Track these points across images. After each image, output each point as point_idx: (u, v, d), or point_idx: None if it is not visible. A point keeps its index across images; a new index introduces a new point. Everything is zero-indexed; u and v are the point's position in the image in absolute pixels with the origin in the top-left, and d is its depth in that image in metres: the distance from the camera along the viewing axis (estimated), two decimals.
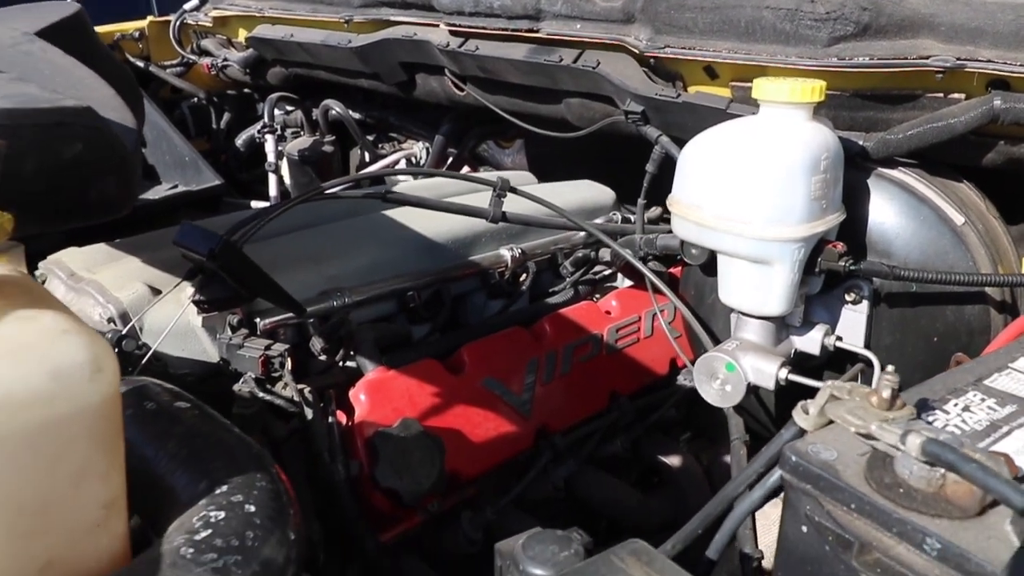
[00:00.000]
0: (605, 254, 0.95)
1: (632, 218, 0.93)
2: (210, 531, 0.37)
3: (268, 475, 0.42)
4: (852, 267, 0.66)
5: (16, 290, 0.37)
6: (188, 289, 0.69)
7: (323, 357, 0.74)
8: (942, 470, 0.33)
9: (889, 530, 0.34)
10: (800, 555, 0.39)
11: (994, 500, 0.34)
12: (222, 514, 0.38)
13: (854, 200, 0.74)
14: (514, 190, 0.88)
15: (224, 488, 0.40)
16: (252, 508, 0.39)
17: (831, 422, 0.40)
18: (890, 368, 0.40)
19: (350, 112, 1.36)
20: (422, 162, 1.39)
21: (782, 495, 0.42)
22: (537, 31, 1.02)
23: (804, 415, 0.41)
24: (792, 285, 0.66)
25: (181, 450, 0.44)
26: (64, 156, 0.47)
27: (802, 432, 0.42)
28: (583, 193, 1.09)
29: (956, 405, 0.43)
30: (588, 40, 0.98)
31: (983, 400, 0.43)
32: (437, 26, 1.11)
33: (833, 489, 0.36)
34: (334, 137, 1.41)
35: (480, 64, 1.10)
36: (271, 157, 1.39)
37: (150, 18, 1.59)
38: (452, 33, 1.09)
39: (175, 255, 0.69)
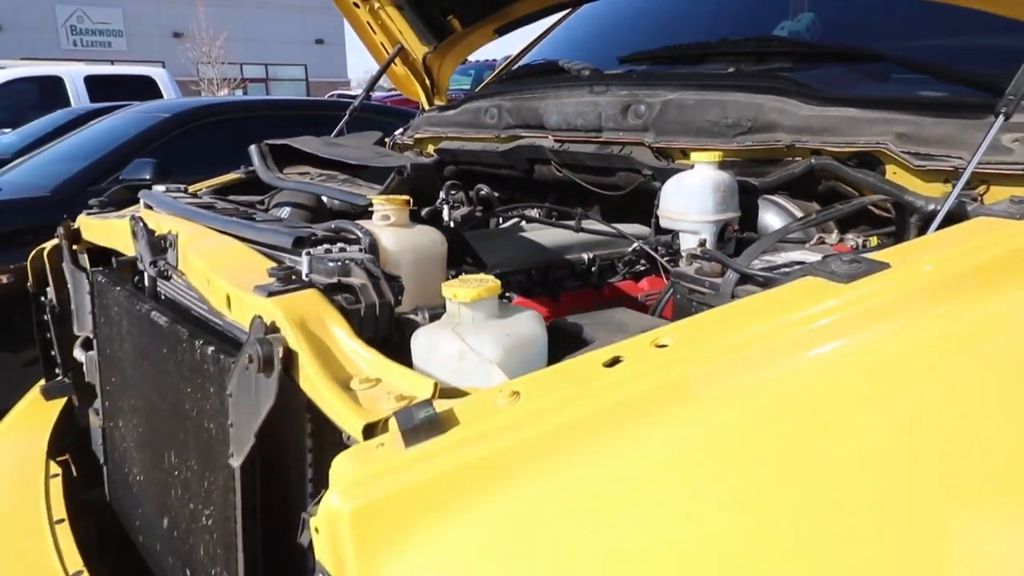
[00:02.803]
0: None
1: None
2: None
3: None
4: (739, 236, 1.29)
5: None
6: None
7: None
8: None
9: None
10: None
11: None
12: None
13: (749, 208, 1.34)
14: (588, 217, 1.57)
15: None
16: None
17: None
18: None
19: (494, 192, 1.98)
20: None
21: None
22: (599, 138, 1.59)
23: None
24: (714, 246, 1.28)
25: None
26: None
27: None
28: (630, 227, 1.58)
29: None
30: (625, 141, 1.54)
31: None
32: (547, 137, 1.71)
33: None
34: (482, 207, 2.09)
35: (571, 157, 1.66)
36: (446, 220, 2.06)
37: None
38: (555, 140, 1.69)
39: None
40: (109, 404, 1.36)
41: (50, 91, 7.77)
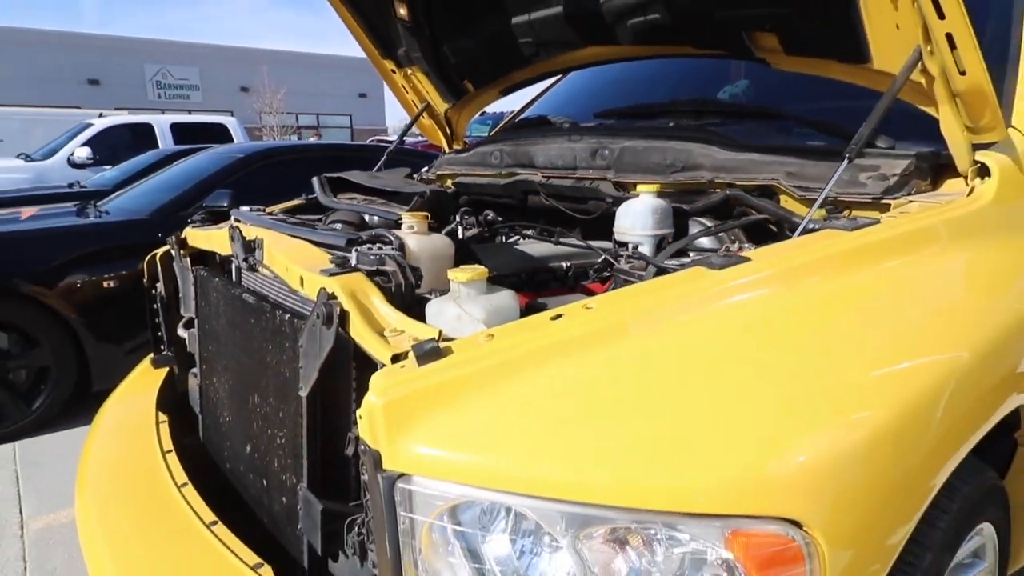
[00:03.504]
0: None
1: None
2: None
3: None
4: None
5: None
6: None
7: None
8: None
9: None
10: None
11: None
12: None
13: (682, 227, 1.47)
14: (566, 234, 1.77)
15: None
16: None
17: None
18: None
19: (497, 216, 2.08)
20: None
21: None
22: (575, 175, 1.72)
23: None
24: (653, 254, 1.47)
25: None
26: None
27: None
28: (599, 243, 1.88)
29: None
30: (593, 176, 1.66)
31: None
32: (536, 174, 1.83)
33: None
34: (488, 227, 2.24)
35: (554, 189, 1.77)
36: (461, 237, 2.23)
37: None
38: (543, 176, 1.81)
39: None
40: (206, 367, 1.56)
41: (142, 135, 8.11)
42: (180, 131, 8.33)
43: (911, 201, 1.25)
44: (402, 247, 1.18)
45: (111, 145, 7.87)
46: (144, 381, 1.84)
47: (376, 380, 0.81)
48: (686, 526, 0.71)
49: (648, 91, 2.23)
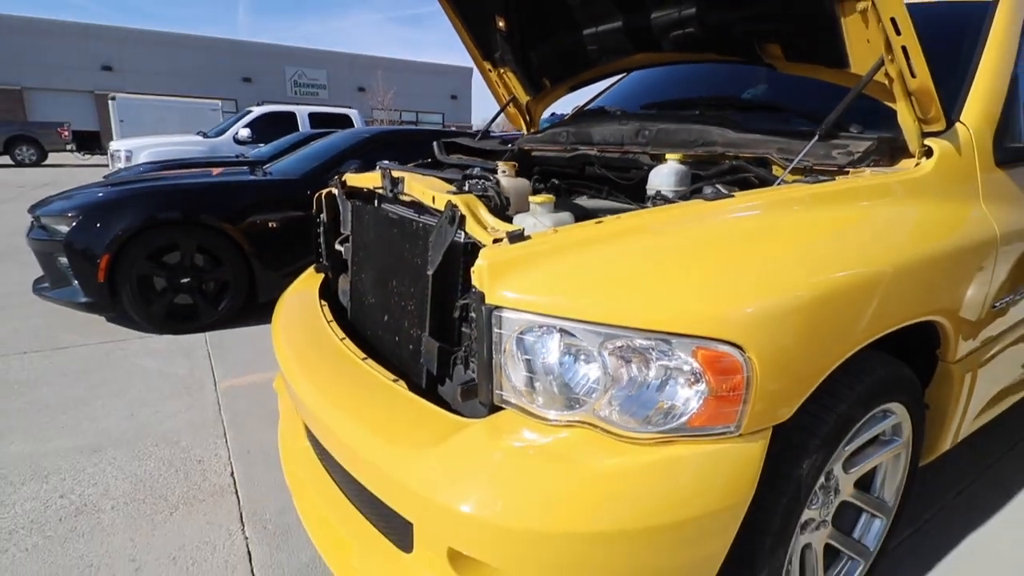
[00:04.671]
0: None
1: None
2: None
3: None
4: None
5: None
6: None
7: None
8: None
9: None
10: None
11: None
12: None
13: (698, 189, 1.76)
14: (612, 194, 2.00)
15: None
16: None
17: None
18: None
19: (562, 183, 2.21)
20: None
21: None
22: (622, 149, 1.85)
23: None
24: None
25: None
26: None
27: None
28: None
29: None
30: (636, 151, 1.81)
31: None
32: (592, 150, 1.96)
33: None
34: (555, 191, 2.45)
35: (605, 160, 1.84)
36: None
37: None
38: (598, 151, 1.93)
39: None
40: (356, 267, 1.86)
41: (287, 121, 8.68)
42: (315, 119, 8.87)
43: (866, 170, 1.42)
44: (498, 183, 1.45)
45: (263, 128, 8.46)
46: (309, 282, 2.18)
47: (484, 252, 1.08)
48: (668, 344, 0.96)
49: (683, 89, 2.38)
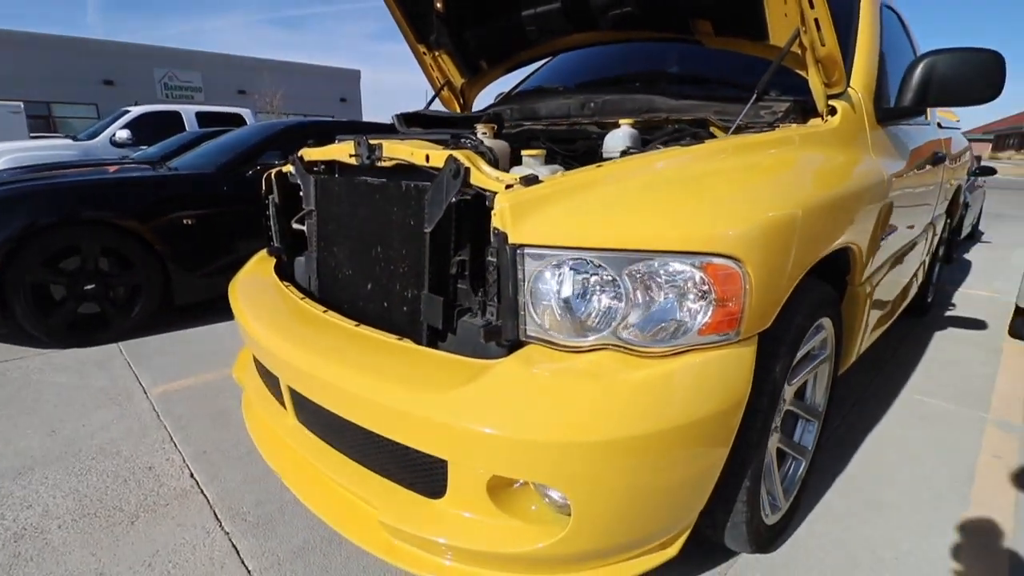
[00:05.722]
0: None
1: None
2: None
3: None
4: None
5: None
6: None
7: None
8: None
9: None
10: None
11: None
12: None
13: (647, 149, 1.92)
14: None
15: None
16: None
17: None
18: None
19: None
20: None
21: None
22: (568, 121, 1.98)
23: None
24: None
25: None
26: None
27: None
28: None
29: None
30: (584, 122, 1.95)
31: None
32: (537, 126, 2.24)
33: None
34: None
35: (551, 134, 1.93)
36: None
37: None
38: (544, 125, 2.06)
39: None
40: (323, 243, 1.75)
41: (171, 122, 7.90)
42: (203, 118, 8.15)
43: (788, 126, 1.63)
44: (481, 142, 1.47)
45: (145, 129, 7.64)
46: (261, 266, 2.05)
47: (500, 196, 1.12)
48: (680, 260, 1.06)
49: (608, 68, 2.53)
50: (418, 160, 1.36)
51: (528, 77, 2.84)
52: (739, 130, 1.63)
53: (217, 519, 1.72)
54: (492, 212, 1.10)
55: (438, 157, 1.30)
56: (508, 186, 1.15)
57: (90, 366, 2.85)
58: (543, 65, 2.82)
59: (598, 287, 1.07)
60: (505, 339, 1.13)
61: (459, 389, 1.07)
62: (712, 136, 1.65)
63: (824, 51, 1.58)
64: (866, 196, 1.64)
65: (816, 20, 1.52)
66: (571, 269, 1.07)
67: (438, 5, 2.29)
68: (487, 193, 1.19)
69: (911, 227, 2.30)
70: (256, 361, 1.92)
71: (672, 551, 1.20)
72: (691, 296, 1.06)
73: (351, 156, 1.56)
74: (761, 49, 1.75)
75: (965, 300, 4.28)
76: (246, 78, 23.49)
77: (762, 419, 1.25)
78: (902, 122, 2.16)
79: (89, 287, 3.06)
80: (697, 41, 1.90)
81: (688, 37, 1.87)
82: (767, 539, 1.50)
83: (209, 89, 23.83)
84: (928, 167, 2.48)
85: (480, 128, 1.56)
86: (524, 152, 1.32)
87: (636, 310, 1.06)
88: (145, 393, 2.56)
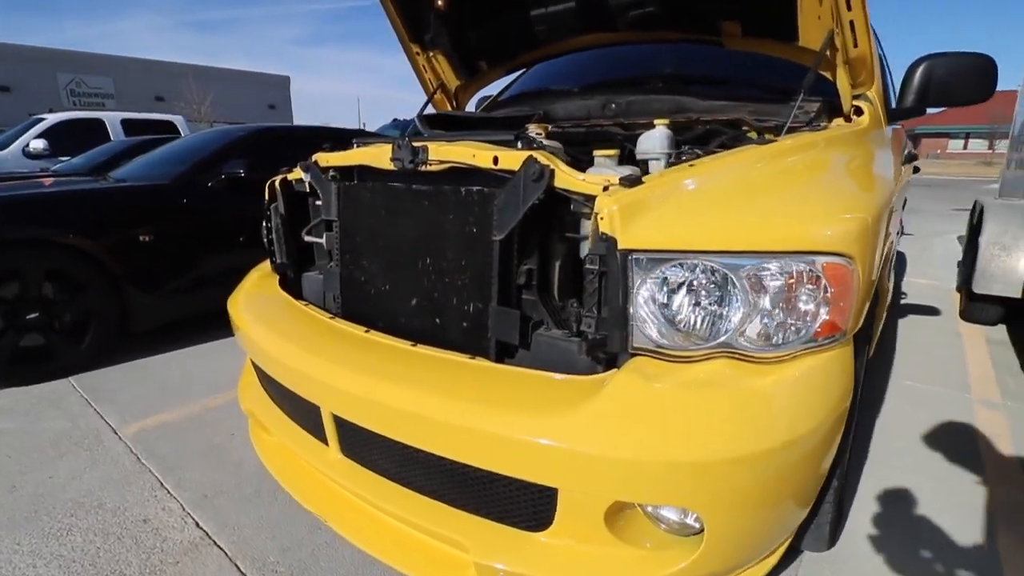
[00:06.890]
0: None
1: None
2: None
3: None
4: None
5: None
6: None
7: None
8: None
9: None
10: None
11: None
12: None
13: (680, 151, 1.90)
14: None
15: None
16: None
17: None
18: None
19: None
20: None
21: None
22: (588, 123, 1.94)
23: None
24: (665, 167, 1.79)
25: None
26: None
27: None
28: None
29: None
30: (604, 123, 1.90)
31: None
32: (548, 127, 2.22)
33: None
34: None
35: (566, 136, 1.83)
36: None
37: None
38: (554, 127, 2.01)
39: None
40: (348, 256, 1.56)
41: (93, 130, 7.20)
42: (130, 126, 7.48)
43: (824, 127, 1.64)
44: (542, 144, 1.36)
45: (63, 138, 6.92)
46: (264, 284, 1.85)
47: (605, 198, 1.03)
48: (799, 260, 1.01)
49: (610, 69, 2.45)
50: (482, 163, 1.24)
51: (511, 84, 2.70)
52: (773, 131, 1.63)
53: (242, 573, 1.51)
54: (596, 216, 1.01)
55: (510, 159, 1.19)
56: (604, 188, 1.06)
57: (42, 406, 2.49)
58: (523, 73, 2.68)
59: (713, 291, 1.01)
60: (611, 351, 1.04)
61: (575, 410, 0.97)
62: (747, 139, 1.64)
63: (856, 52, 1.60)
64: (896, 190, 1.68)
65: (851, 22, 1.53)
66: (687, 273, 1.00)
67: (439, 3, 2.17)
68: (577, 197, 1.10)
69: (899, 217, 2.42)
70: (268, 390, 1.72)
71: (773, 559, 1.16)
72: (810, 297, 1.01)
73: (391, 160, 1.41)
74: (786, 50, 1.76)
75: (910, 288, 4.61)
76: (165, 84, 21.91)
77: (852, 414, 1.23)
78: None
79: (31, 316, 2.67)
80: (718, 42, 1.89)
81: (711, 38, 1.85)
82: (837, 536, 1.49)
83: (122, 95, 22.06)
84: (904, 162, 2.62)
85: (533, 128, 1.46)
86: (597, 152, 1.24)
87: (754, 314, 1.00)
88: (116, 433, 2.25)
